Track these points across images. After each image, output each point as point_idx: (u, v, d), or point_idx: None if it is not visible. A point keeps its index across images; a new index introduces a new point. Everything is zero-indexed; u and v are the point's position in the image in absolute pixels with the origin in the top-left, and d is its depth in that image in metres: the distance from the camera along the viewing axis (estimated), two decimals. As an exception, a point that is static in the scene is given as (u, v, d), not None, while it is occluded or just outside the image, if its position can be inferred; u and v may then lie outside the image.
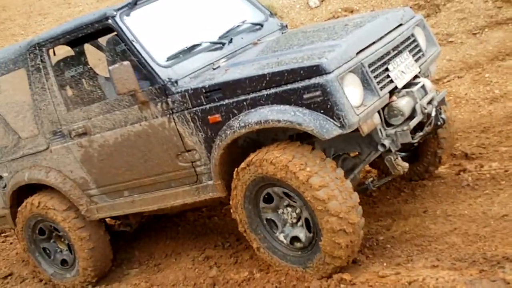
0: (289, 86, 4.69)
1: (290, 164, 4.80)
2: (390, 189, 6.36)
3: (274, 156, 4.90)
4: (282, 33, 6.26)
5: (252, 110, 4.90)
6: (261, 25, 6.19)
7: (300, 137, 5.21)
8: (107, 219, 6.99)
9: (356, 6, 10.66)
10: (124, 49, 5.60)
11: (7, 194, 6.93)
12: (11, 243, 8.50)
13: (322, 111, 4.58)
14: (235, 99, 4.98)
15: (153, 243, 6.89)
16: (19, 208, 6.84)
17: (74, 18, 13.38)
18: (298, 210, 5.09)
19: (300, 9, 11.16)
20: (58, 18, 15.66)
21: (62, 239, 6.83)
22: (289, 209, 5.16)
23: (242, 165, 5.11)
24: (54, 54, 6.30)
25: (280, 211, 5.23)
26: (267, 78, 4.79)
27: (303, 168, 4.76)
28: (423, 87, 5.24)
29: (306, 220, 5.03)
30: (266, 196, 5.21)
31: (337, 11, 10.61)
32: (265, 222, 5.32)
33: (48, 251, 6.99)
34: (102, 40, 6.47)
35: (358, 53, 4.85)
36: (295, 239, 5.19)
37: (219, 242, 6.55)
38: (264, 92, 4.81)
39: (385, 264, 5.05)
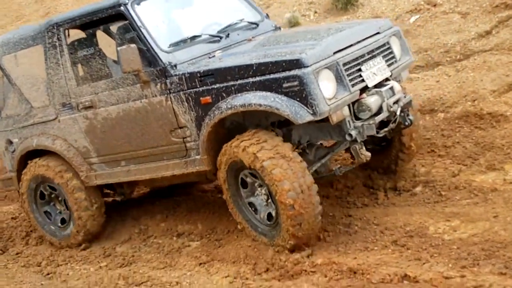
0: (272, 76, 5.41)
1: (251, 148, 5.59)
2: (461, 190, 6.45)
3: (243, 140, 5.69)
4: (275, 33, 6.95)
5: (239, 94, 5.61)
6: (257, 25, 6.88)
7: (280, 125, 5.95)
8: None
9: (440, -1, 10.45)
10: (132, 36, 6.26)
11: (15, 158, 7.58)
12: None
13: (298, 99, 5.30)
14: (225, 84, 5.68)
15: (216, 218, 6.91)
16: (24, 170, 7.47)
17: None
18: (265, 189, 5.79)
19: None
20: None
21: (61, 201, 7.46)
22: (261, 189, 5.88)
23: (236, 142, 5.78)
24: (69, 35, 6.94)
25: (256, 193, 5.96)
26: (254, 68, 5.51)
27: (259, 150, 5.54)
28: (391, 88, 5.93)
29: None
30: (241, 180, 5.97)
31: (419, 3, 10.18)
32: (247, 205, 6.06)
33: (49, 214, 7.61)
34: (113, 28, 7.16)
35: (335, 52, 5.55)
36: (269, 216, 5.88)
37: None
38: (250, 80, 5.53)
39: (450, 265, 5.06)
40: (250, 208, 6.02)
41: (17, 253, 7.72)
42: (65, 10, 14.54)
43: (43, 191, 7.52)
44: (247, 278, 5.70)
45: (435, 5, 10.08)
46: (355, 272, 5.20)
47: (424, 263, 5.16)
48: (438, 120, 7.75)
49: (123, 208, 7.92)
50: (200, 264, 6.25)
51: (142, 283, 6.16)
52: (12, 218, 8.48)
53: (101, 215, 7.35)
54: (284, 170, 5.44)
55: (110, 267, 6.78)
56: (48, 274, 7.02)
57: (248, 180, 5.92)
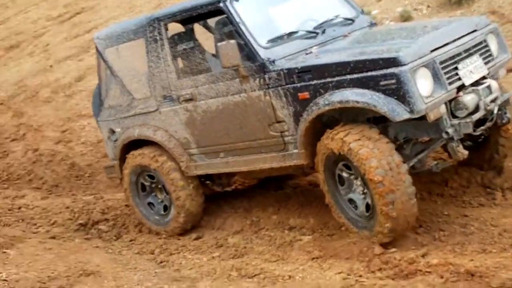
0: (369, 74, 5.54)
1: (338, 135, 5.81)
2: None
3: (331, 132, 5.88)
4: (370, 29, 7.04)
5: (336, 91, 5.76)
6: (353, 21, 6.97)
7: (376, 121, 6.06)
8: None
9: None
10: (230, 30, 6.49)
11: (118, 147, 7.89)
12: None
13: (395, 97, 5.42)
14: (323, 81, 5.84)
15: (328, 213, 6.58)
16: (124, 165, 7.80)
17: None
18: (360, 180, 5.93)
19: None
20: None
21: (161, 189, 7.73)
22: (357, 181, 6.00)
23: (328, 134, 5.96)
24: (167, 29, 7.16)
25: (353, 188, 6.08)
26: (351, 65, 5.65)
27: (346, 135, 5.75)
28: (488, 87, 5.95)
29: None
30: (338, 178, 6.13)
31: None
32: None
33: (152, 205, 7.87)
34: (211, 22, 7.41)
35: (432, 51, 5.63)
36: (367, 207, 5.99)
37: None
38: (348, 77, 5.67)
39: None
40: (350, 205, 6.13)
41: (130, 240, 7.94)
42: (176, 1, 14.90)
43: (144, 182, 7.80)
44: (360, 276, 5.64)
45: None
46: (472, 275, 5.09)
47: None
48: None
49: (235, 199, 8.03)
50: (313, 259, 6.22)
51: (255, 275, 6.18)
52: (126, 205, 8.67)
53: (199, 194, 7.51)
54: (370, 149, 5.59)
55: (223, 257, 6.87)
56: (161, 262, 7.12)
57: (344, 175, 6.06)
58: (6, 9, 19.83)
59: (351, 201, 6.12)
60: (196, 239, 7.44)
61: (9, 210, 9.26)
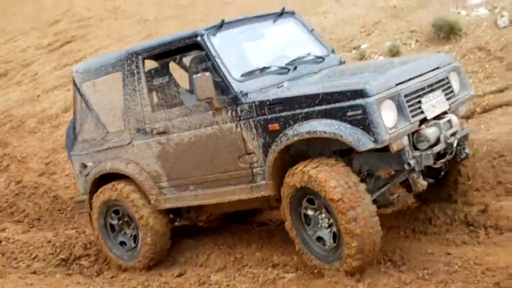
0: (337, 105, 5.77)
1: (298, 168, 6.05)
2: None
3: (301, 167, 6.06)
4: (339, 66, 7.29)
5: (305, 122, 5.97)
6: (323, 59, 7.24)
7: (342, 153, 6.28)
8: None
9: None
10: (205, 67, 6.69)
11: (88, 181, 7.99)
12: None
13: (361, 127, 5.64)
14: (292, 112, 6.06)
15: None
16: (96, 193, 7.87)
17: (255, 9, 13.24)
18: (325, 211, 6.11)
19: (486, 27, 10.71)
20: (240, 8, 15.27)
21: (128, 223, 7.80)
22: (322, 215, 6.17)
23: (289, 171, 6.18)
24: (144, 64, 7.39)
25: (319, 224, 6.24)
26: (320, 97, 5.89)
27: (306, 166, 6.00)
28: (449, 121, 6.21)
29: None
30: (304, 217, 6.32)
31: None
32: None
33: (123, 244, 7.90)
34: (186, 60, 7.60)
35: (397, 84, 5.89)
36: (334, 237, 6.12)
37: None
38: (317, 108, 5.89)
39: None
40: (319, 243, 6.25)
41: (112, 277, 7.89)
42: (166, 32, 14.76)
43: (111, 221, 7.90)
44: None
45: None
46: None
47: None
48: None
49: (219, 235, 8.08)
50: (296, 297, 6.22)
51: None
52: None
53: (162, 213, 7.56)
54: (328, 172, 5.81)
55: (205, 295, 6.86)
56: (142, 299, 7.13)
57: (309, 212, 6.22)
58: None
59: (319, 239, 6.24)
60: (179, 275, 7.39)
61: None
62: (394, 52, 10.79)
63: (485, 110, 8.80)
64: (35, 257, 8.67)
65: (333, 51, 7.51)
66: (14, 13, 21.80)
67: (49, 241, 9.06)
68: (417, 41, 11.14)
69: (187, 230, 8.14)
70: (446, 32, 10.77)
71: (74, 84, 7.99)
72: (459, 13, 11.37)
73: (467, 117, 8.68)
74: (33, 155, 12.33)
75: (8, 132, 13.60)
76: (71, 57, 16.35)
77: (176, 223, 8.15)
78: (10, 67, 17.23)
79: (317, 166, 5.94)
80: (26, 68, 16.91)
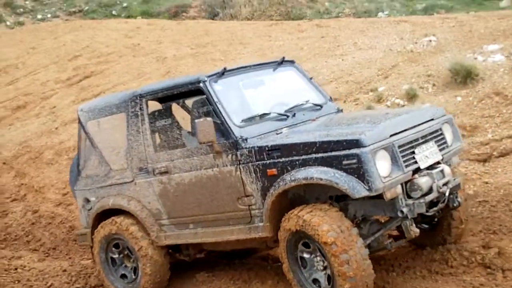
0: (333, 153, 6.03)
1: (293, 213, 6.30)
2: None
3: (296, 212, 6.31)
4: (337, 115, 7.56)
5: (302, 168, 6.23)
6: (321, 106, 7.52)
7: (337, 199, 6.54)
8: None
9: None
10: (207, 110, 6.96)
11: (91, 216, 8.22)
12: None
13: (356, 175, 5.89)
14: (290, 158, 6.31)
15: None
16: (97, 228, 8.09)
17: (272, 51, 14.50)
18: (319, 254, 6.32)
19: (503, 73, 10.83)
20: (258, 50, 16.36)
21: (128, 256, 8.00)
22: (317, 258, 6.38)
23: (286, 216, 6.43)
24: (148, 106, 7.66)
25: (315, 266, 6.45)
26: (317, 145, 6.15)
27: (300, 211, 6.25)
28: (442, 171, 6.46)
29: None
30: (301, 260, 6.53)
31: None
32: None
33: (124, 276, 8.07)
34: (188, 102, 7.89)
35: (391, 135, 6.16)
36: (328, 279, 6.32)
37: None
38: (313, 156, 6.15)
39: None
40: (314, 286, 6.44)
41: None
42: (185, 70, 15.06)
43: (112, 255, 8.09)
44: None
45: None
46: None
47: None
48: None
49: (235, 270, 8.10)
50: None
51: None
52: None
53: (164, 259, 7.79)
54: (321, 217, 6.07)
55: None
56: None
57: (305, 255, 6.44)
58: (17, 70, 20.27)
59: (315, 281, 6.44)
60: None
61: (5, 270, 9.38)
62: (411, 95, 10.93)
63: (502, 154, 8.95)
64: (50, 285, 8.84)
65: (331, 99, 7.81)
66: (35, 48, 22.25)
67: (65, 270, 9.23)
68: (434, 85, 11.31)
69: (203, 264, 8.30)
70: (463, 76, 10.93)
71: (79, 122, 8.25)
72: (475, 58, 11.59)
73: (484, 161, 8.92)
74: (50, 185, 12.48)
75: (26, 162, 13.76)
76: (90, 91, 16.60)
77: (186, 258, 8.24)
78: (29, 100, 17.47)
79: (311, 211, 6.19)
80: (45, 101, 17.15)
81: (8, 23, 32.12)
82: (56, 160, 13.42)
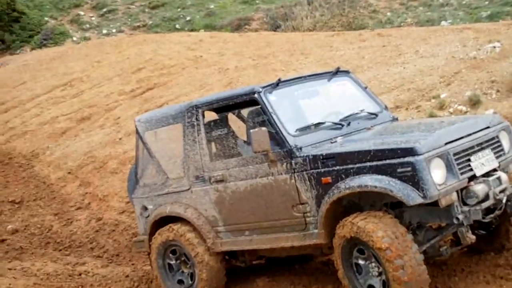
0: (387, 161, 6.03)
1: (348, 220, 6.30)
2: None
3: (350, 219, 6.31)
4: (392, 123, 7.54)
5: (356, 176, 6.24)
6: (376, 115, 7.52)
7: (392, 206, 6.51)
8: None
9: None
10: (262, 120, 7.02)
11: (148, 223, 8.38)
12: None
13: (410, 183, 5.88)
14: (345, 167, 6.33)
15: None
16: (155, 235, 8.21)
17: (334, 60, 14.44)
18: (374, 261, 6.31)
19: None
20: (319, 60, 16.27)
21: (185, 262, 8.09)
22: (372, 264, 6.35)
23: (340, 223, 6.42)
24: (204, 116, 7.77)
25: (371, 272, 6.41)
26: (371, 153, 6.15)
27: (355, 218, 6.26)
28: (498, 178, 6.39)
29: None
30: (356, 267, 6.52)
31: None
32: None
33: (181, 282, 8.16)
34: (244, 112, 7.99)
35: (446, 143, 6.13)
36: (384, 284, 6.29)
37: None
38: (368, 164, 6.16)
39: None
40: None
41: None
42: (247, 81, 15.10)
43: (169, 261, 8.20)
44: None
45: None
46: None
47: None
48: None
49: (294, 276, 8.09)
50: None
51: None
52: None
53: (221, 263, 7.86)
54: (376, 223, 6.06)
55: None
56: None
57: (360, 262, 6.42)
58: (81, 83, 20.66)
59: (370, 287, 6.42)
60: None
61: (69, 276, 9.62)
62: (474, 102, 10.80)
63: None
64: (113, 290, 9.00)
65: (386, 108, 7.79)
66: (99, 61, 22.71)
67: (127, 276, 9.40)
68: (498, 91, 11.18)
69: (264, 270, 8.33)
70: (528, 82, 10.63)
71: (137, 132, 8.43)
72: (540, 64, 11.32)
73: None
74: (114, 194, 12.68)
75: (91, 172, 14.03)
76: (153, 102, 16.80)
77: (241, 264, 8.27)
78: (93, 111, 17.75)
79: (365, 218, 6.19)
80: (109, 112, 17.41)
81: (74, 38, 33.03)
82: (120, 169, 13.63)
